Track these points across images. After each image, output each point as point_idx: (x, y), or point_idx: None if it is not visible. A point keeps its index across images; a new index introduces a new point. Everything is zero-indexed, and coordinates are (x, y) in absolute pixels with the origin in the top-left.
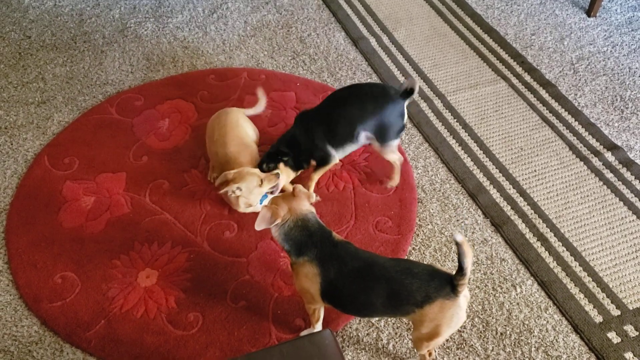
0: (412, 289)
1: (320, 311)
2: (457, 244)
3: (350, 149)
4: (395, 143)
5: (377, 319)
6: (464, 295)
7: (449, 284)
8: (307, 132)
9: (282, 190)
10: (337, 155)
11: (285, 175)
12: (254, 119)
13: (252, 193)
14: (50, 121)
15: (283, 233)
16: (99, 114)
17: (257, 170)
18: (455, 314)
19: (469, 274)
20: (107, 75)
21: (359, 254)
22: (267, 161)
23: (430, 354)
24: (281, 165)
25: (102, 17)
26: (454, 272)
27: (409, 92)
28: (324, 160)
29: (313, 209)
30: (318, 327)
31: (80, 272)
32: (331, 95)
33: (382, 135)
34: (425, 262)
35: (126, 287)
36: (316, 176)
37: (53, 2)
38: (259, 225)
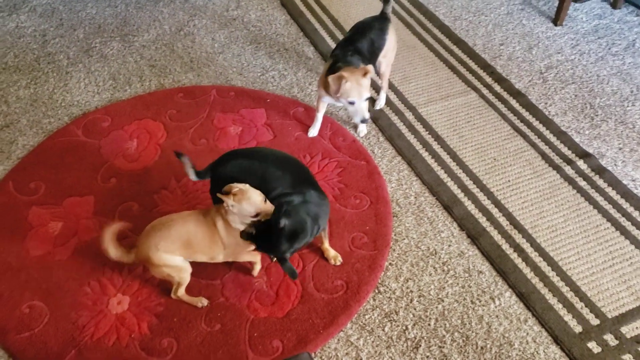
0: None
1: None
2: None
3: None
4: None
5: (356, 337)
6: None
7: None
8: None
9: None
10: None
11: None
12: (225, 136)
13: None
14: (15, 145)
15: None
16: (65, 136)
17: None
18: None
19: None
20: (72, 97)
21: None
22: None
23: None
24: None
25: (66, 38)
26: None
27: None
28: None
29: None
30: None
31: (49, 301)
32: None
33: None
34: (402, 277)
35: (97, 314)
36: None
37: (15, 23)
38: None
